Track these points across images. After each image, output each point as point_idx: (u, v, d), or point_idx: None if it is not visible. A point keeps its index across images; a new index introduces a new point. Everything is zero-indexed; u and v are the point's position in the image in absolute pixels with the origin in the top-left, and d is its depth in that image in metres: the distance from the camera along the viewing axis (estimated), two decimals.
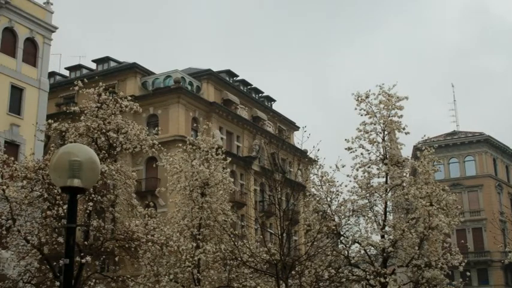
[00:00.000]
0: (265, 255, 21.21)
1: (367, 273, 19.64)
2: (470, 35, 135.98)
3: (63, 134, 21.53)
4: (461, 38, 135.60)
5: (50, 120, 21.84)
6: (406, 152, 53.62)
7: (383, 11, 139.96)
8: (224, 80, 51.72)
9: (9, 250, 20.77)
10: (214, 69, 50.60)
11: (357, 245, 20.39)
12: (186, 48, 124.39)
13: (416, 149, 44.69)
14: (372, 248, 20.32)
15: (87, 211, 19.78)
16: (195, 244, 20.99)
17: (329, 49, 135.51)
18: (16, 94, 35.61)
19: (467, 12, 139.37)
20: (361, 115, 20.76)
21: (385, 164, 20.43)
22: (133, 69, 47.32)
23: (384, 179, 20.76)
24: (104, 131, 20.75)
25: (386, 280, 19.05)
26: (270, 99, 59.32)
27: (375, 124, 20.68)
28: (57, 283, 18.65)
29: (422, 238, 19.90)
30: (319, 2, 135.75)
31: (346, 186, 20.62)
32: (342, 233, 20.62)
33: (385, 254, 20.06)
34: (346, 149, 20.50)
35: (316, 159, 21.08)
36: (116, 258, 21.56)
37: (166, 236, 21.00)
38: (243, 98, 52.68)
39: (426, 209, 19.43)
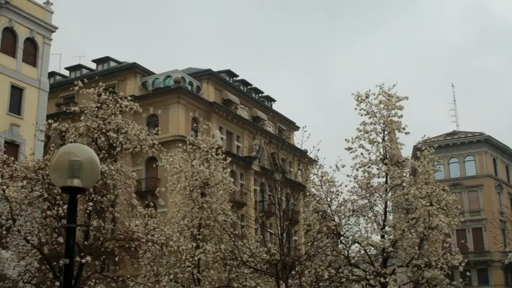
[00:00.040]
0: (265, 255, 21.21)
1: (367, 273, 19.64)
2: (470, 35, 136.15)
3: (63, 134, 21.53)
4: (461, 38, 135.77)
5: (50, 120, 21.84)
6: (406, 152, 53.66)
7: (383, 11, 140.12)
8: (224, 80, 51.72)
9: (9, 250, 20.77)
10: (214, 69, 50.60)
11: (357, 245, 20.40)
12: (186, 48, 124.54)
13: (416, 149, 44.70)
14: (372, 248, 20.31)
15: (87, 211, 19.78)
16: (195, 244, 20.99)
17: (329, 49, 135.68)
18: (16, 94, 35.62)
19: (467, 12, 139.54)
20: (361, 115, 20.79)
21: (385, 164, 20.43)
22: (133, 69, 47.32)
23: (384, 179, 20.76)
24: (104, 131, 20.74)
25: (386, 280, 19.05)
26: (270, 99, 59.32)
27: (375, 124, 20.69)
28: (57, 283, 18.64)
29: (422, 238, 19.90)
30: (319, 2, 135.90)
31: (346, 186, 20.65)
32: (342, 233, 20.62)
33: (385, 254, 20.06)
34: (346, 149, 20.51)
35: (316, 159, 21.09)
36: (116, 258, 21.56)
37: (166, 236, 21.00)
38: (243, 98, 52.68)
39: (426, 209, 19.43)
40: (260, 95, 57.96)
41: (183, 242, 21.02)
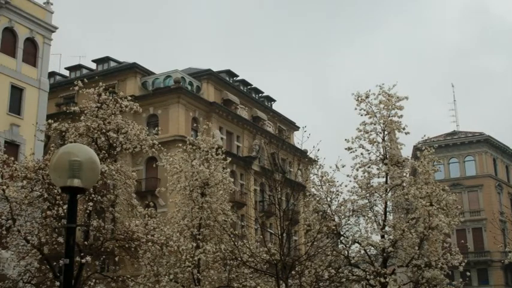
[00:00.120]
0: (265, 255, 21.21)
1: (367, 273, 19.64)
2: (470, 35, 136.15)
3: (63, 134, 21.53)
4: (461, 38, 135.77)
5: (50, 120, 21.83)
6: (406, 152, 53.66)
7: (383, 11, 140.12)
8: (224, 80, 51.72)
9: (9, 250, 20.77)
10: (214, 69, 50.60)
11: (357, 245, 20.40)
12: (186, 48, 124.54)
13: (416, 149, 44.70)
14: (372, 248, 20.31)
15: (87, 211, 19.78)
16: (195, 244, 20.99)
17: (329, 49, 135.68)
18: (16, 94, 35.62)
19: (467, 12, 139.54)
20: (361, 115, 20.79)
21: (385, 164, 20.43)
22: (133, 69, 47.32)
23: (384, 179, 20.75)
24: (104, 131, 20.74)
25: (386, 280, 19.05)
26: (270, 99, 59.33)
27: (375, 124, 20.69)
28: (57, 283, 18.64)
29: (422, 238, 19.90)
30: (319, 2, 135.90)
31: (346, 186, 20.65)
32: (342, 233, 20.62)
33: (385, 254, 20.06)
34: (346, 149, 20.51)
35: (316, 159, 21.08)
36: (116, 258, 21.56)
37: (166, 236, 20.99)
38: (243, 98, 52.68)
39: (426, 209, 19.43)
40: (260, 95, 57.96)
41: (183, 242, 21.02)
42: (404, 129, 20.61)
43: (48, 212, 19.24)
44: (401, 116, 20.66)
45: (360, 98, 20.78)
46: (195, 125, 45.04)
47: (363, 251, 20.23)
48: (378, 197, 20.58)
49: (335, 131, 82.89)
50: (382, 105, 20.73)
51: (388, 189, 20.66)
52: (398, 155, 20.93)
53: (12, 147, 32.52)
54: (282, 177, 23.69)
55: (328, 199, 20.56)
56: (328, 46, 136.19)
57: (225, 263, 22.24)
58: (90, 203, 19.39)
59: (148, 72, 48.56)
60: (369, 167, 20.56)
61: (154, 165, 32.96)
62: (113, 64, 50.39)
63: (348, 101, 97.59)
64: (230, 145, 49.19)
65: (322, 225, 20.31)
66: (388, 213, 20.91)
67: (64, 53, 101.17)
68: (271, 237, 29.09)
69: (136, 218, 20.95)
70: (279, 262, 20.06)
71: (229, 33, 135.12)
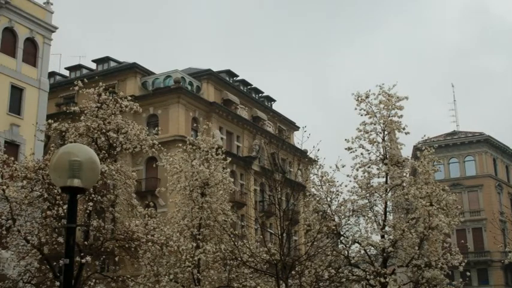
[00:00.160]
0: (265, 255, 21.21)
1: (367, 273, 19.64)
2: (470, 35, 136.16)
3: (63, 134, 21.53)
4: (461, 38, 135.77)
5: (50, 120, 21.83)
6: (406, 152, 53.65)
7: (383, 11, 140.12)
8: (224, 80, 51.72)
9: (9, 250, 20.77)
10: (214, 69, 50.61)
11: (357, 245, 20.40)
12: (186, 48, 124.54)
13: (416, 149, 44.70)
14: (372, 248, 20.31)
15: (87, 211, 19.78)
16: (195, 244, 20.99)
17: (329, 49, 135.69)
18: (16, 94, 35.62)
19: (467, 12, 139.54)
20: (361, 115, 20.79)
21: (385, 164, 20.42)
22: (133, 69, 47.32)
23: (384, 179, 20.75)
24: (104, 131, 20.74)
25: (386, 280, 19.04)
26: (270, 99, 59.33)
27: (375, 124, 20.69)
28: (57, 283, 18.64)
29: (422, 238, 19.90)
30: (319, 2, 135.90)
31: (346, 186, 20.65)
32: (342, 233, 20.62)
33: (385, 254, 20.05)
34: (346, 149, 20.51)
35: (316, 159, 21.08)
36: (116, 258, 21.56)
37: (166, 236, 20.99)
38: (243, 98, 52.68)
39: (426, 209, 19.42)
40: (260, 95, 57.96)
41: (183, 242, 21.02)
42: (404, 129, 20.61)
43: (48, 212, 19.24)
44: (401, 116, 20.68)
45: (360, 98, 20.78)
46: (195, 125, 45.04)
47: (363, 251, 20.23)
48: (378, 197, 20.58)
49: (335, 131, 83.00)
50: (382, 105, 20.74)
51: (388, 189, 20.66)
52: (398, 155, 20.93)
53: (12, 147, 32.52)
54: (282, 177, 23.69)
55: (328, 199, 20.57)
56: (328, 46, 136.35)
57: (225, 263, 22.24)
58: (90, 203, 19.38)
59: (148, 72, 48.57)
60: (369, 167, 20.56)
61: (154, 165, 32.97)
62: (113, 64, 50.39)
63: (348, 101, 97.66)
64: (230, 145, 49.20)
65: (322, 225, 20.30)
66: (388, 213, 20.92)
67: (64, 53, 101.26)
68: (271, 237, 29.09)
69: (136, 218, 20.95)
70: (279, 262, 20.06)
71: (229, 33, 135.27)
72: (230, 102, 50.31)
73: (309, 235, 21.82)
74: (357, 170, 20.55)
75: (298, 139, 29.11)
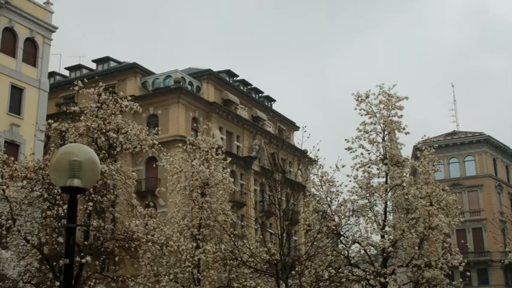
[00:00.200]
0: (265, 255, 21.21)
1: (367, 273, 19.64)
2: (470, 35, 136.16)
3: (63, 134, 21.53)
4: (461, 38, 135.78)
5: (50, 120, 21.83)
6: (406, 152, 53.67)
7: (383, 11, 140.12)
8: (224, 80, 51.72)
9: (9, 250, 20.77)
10: (214, 69, 50.61)
11: (357, 245, 20.40)
12: (186, 48, 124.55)
13: (416, 149, 44.69)
14: (372, 248, 20.31)
15: (87, 211, 19.78)
16: (195, 244, 20.99)
17: (329, 49, 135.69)
18: (16, 94, 35.62)
19: (467, 12, 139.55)
20: (361, 115, 20.79)
21: (385, 164, 20.42)
22: (133, 69, 47.32)
23: (384, 179, 20.75)
24: (104, 131, 20.74)
25: (386, 280, 19.04)
26: (270, 99, 59.33)
27: (375, 124, 20.69)
28: (57, 283, 18.64)
29: (422, 238, 19.90)
30: (319, 2, 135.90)
31: (346, 186, 20.65)
32: (342, 233, 20.62)
33: (385, 254, 20.05)
34: (346, 149, 20.51)
35: (316, 159, 21.08)
36: (116, 258, 21.55)
37: (166, 236, 20.99)
38: (243, 98, 52.68)
39: (426, 209, 19.42)
40: (260, 95, 57.97)
41: (183, 242, 21.02)
42: (404, 129, 20.62)
43: (48, 212, 19.24)
44: (401, 116, 20.68)
45: (359, 98, 20.78)
46: (195, 125, 45.04)
47: (363, 251, 20.23)
48: (378, 197, 20.58)
49: (335, 131, 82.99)
50: (382, 105, 20.74)
51: (388, 189, 20.66)
52: (398, 155, 20.93)
53: (12, 147, 32.52)
54: (282, 177, 23.69)
55: (328, 199, 20.57)
56: (328, 46, 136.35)
57: (225, 263, 22.24)
58: (90, 203, 19.38)
59: (148, 72, 48.57)
60: (369, 167, 20.56)
61: (154, 165, 32.97)
62: (113, 64, 50.39)
63: (348, 101, 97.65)
64: (230, 145, 49.20)
65: (322, 225, 20.30)
66: (388, 213, 20.92)
67: (64, 53, 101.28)
68: (271, 237, 29.09)
69: (136, 218, 20.95)
70: (279, 262, 20.06)
71: (229, 33, 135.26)
72: (230, 102, 50.31)
73: (309, 235, 21.82)
74: (357, 170, 20.56)
75: (298, 139, 29.15)
